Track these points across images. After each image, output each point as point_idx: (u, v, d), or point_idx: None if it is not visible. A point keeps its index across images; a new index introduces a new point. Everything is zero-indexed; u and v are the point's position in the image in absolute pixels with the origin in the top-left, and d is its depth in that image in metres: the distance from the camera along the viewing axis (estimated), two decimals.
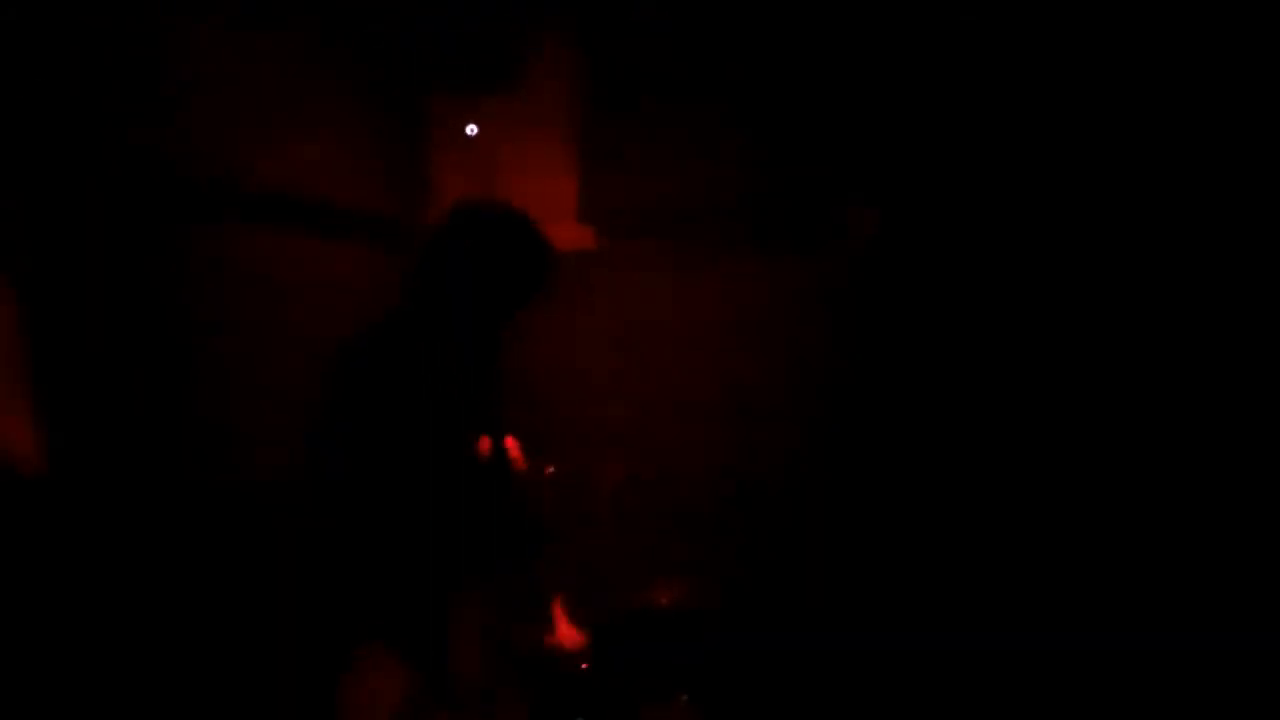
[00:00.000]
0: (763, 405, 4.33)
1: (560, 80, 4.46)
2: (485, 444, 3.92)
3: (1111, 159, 3.81)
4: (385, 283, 4.25)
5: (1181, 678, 3.44)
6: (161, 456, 3.67)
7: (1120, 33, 3.75)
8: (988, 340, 4.03)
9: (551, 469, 4.10)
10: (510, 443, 3.88)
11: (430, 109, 4.49)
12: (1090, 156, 3.84)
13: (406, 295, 3.32)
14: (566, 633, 3.95)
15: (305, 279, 4.10)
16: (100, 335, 3.50)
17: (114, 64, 3.50)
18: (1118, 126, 3.78)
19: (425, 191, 4.49)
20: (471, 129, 4.42)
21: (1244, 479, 3.51)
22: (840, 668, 4.02)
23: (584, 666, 3.94)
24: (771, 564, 4.23)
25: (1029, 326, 3.93)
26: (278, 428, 3.67)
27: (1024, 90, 3.90)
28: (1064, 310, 3.86)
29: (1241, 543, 3.52)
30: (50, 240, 3.37)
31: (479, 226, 3.27)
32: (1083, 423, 3.79)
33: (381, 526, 3.43)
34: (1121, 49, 3.75)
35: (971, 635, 3.78)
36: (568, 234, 4.52)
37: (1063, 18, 3.83)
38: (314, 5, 4.09)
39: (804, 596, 4.16)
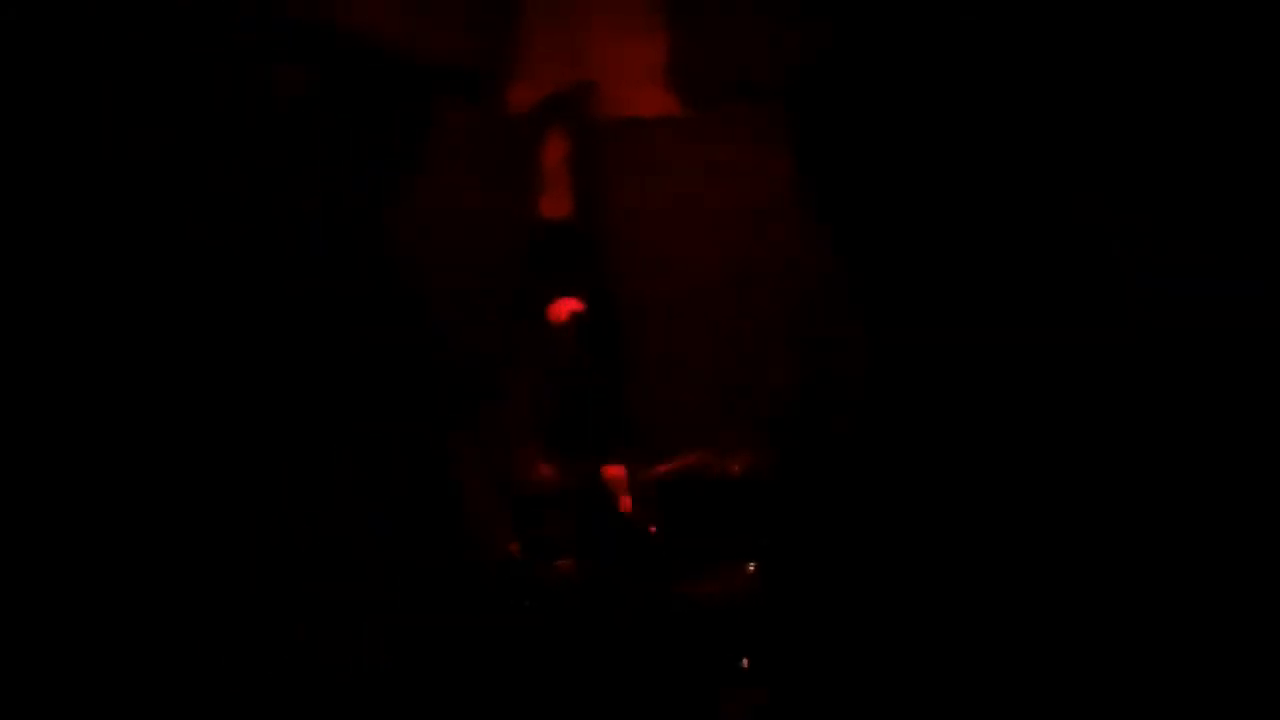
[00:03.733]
0: (846, 280, 4.27)
1: None
2: (564, 309, 3.98)
3: None
4: (469, 138, 4.28)
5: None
6: None
7: None
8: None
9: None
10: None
11: None
12: None
13: None
14: (627, 501, 4.02)
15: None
16: None
17: None
18: None
19: (511, 47, 4.42)
20: None
21: None
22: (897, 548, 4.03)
23: (652, 530, 4.01)
24: (845, 438, 4.23)
25: None
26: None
27: None
28: None
29: None
30: None
31: None
32: None
33: None
34: None
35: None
36: (654, 100, 4.43)
37: None
38: None
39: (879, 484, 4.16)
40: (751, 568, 3.95)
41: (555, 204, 4.37)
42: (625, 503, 3.95)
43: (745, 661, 3.78)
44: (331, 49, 3.87)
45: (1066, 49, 4.00)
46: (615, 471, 3.97)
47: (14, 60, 3.70)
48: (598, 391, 4.02)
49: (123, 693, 3.55)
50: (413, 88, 4.08)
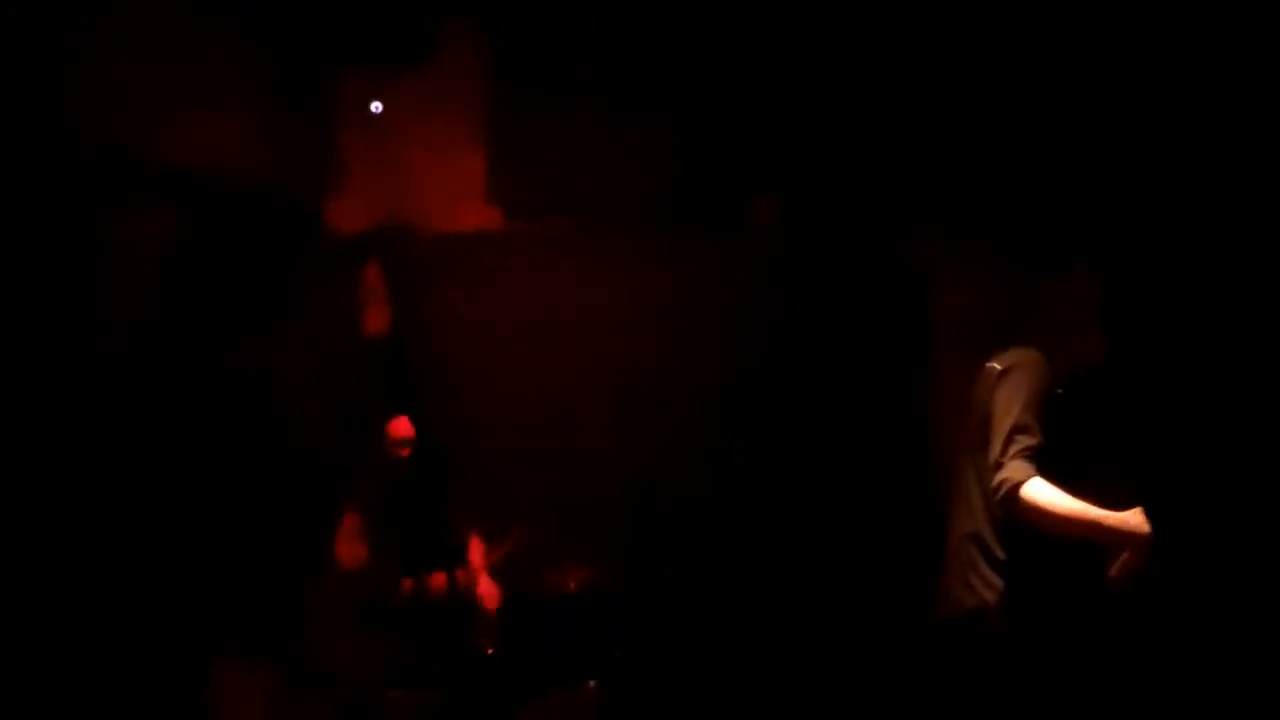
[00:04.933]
0: (668, 390, 4.32)
1: (470, 60, 4.39)
2: (399, 428, 3.92)
3: None
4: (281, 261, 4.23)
5: None
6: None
7: None
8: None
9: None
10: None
11: (338, 86, 4.39)
12: None
13: None
14: (479, 616, 3.93)
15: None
16: None
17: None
18: None
19: (332, 170, 4.40)
20: (376, 106, 4.33)
21: None
22: (743, 654, 4.03)
23: (489, 651, 3.92)
24: (676, 548, 4.23)
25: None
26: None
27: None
28: None
29: None
30: None
31: None
32: None
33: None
34: None
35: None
36: (474, 215, 4.47)
37: None
38: None
39: (705, 582, 4.16)
40: (593, 684, 3.89)
41: (378, 320, 4.34)
42: (486, 618, 3.88)
43: None
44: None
45: None
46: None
47: None
48: (430, 508, 3.96)
49: None
50: (252, 219, 4.08)
